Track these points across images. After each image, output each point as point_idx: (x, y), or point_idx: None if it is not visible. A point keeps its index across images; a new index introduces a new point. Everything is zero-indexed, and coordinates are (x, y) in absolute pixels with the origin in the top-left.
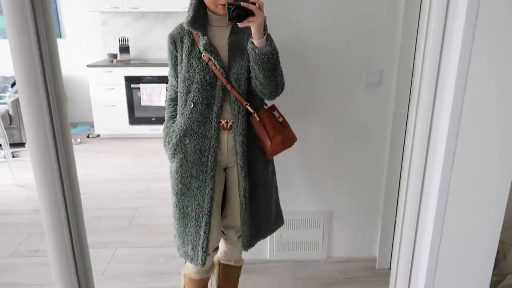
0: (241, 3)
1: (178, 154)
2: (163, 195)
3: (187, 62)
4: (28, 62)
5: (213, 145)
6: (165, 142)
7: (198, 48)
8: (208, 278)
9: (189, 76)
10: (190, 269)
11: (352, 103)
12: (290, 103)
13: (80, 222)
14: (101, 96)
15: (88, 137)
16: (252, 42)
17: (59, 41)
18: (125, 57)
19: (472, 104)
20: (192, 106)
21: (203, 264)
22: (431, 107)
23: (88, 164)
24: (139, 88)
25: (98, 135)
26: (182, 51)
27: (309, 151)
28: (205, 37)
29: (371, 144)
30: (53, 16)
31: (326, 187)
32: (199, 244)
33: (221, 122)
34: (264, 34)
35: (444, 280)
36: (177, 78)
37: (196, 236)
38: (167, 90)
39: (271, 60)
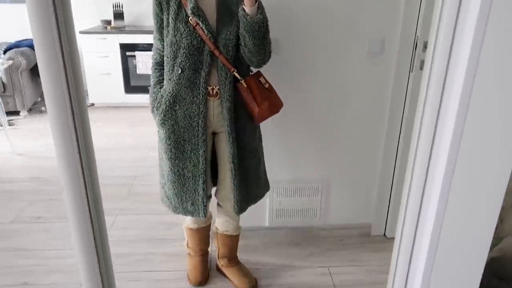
0: None
1: (169, 120)
2: None
3: (174, 26)
4: (46, 25)
5: (202, 111)
6: (153, 107)
7: (185, 12)
8: (209, 227)
9: (176, 41)
10: (188, 220)
11: (353, 71)
12: (290, 70)
13: (96, 188)
14: (95, 64)
15: None
16: (244, 9)
17: None
18: (119, 23)
19: (483, 82)
20: (179, 71)
21: (205, 215)
22: (441, 84)
23: None
24: (134, 56)
25: (93, 104)
26: (168, 14)
27: (309, 119)
28: (192, 0)
29: (370, 113)
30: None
31: (325, 155)
32: (199, 200)
33: (207, 89)
34: (256, 1)
35: (447, 245)
36: (163, 41)
37: (195, 193)
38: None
39: (261, 29)
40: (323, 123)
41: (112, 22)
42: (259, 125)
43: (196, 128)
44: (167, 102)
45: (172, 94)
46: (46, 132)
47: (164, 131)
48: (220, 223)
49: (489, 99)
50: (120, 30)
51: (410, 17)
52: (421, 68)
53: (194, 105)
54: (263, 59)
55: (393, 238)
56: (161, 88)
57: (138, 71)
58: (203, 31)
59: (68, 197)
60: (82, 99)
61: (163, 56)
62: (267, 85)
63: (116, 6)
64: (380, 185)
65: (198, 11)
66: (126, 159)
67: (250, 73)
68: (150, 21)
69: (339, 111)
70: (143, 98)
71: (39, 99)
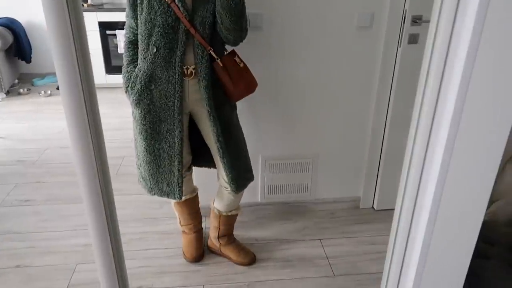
0: None
1: (144, 100)
2: None
3: (148, 3)
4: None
5: (177, 90)
6: (127, 87)
7: None
8: (195, 199)
9: (151, 19)
10: None
11: (341, 46)
12: (277, 45)
13: (106, 171)
14: None
15: (57, 89)
16: None
17: None
18: (97, 0)
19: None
20: (154, 50)
21: (180, 197)
22: (442, 66)
23: (63, 116)
24: (115, 35)
25: None
26: None
27: (297, 94)
28: None
29: (359, 88)
30: None
31: (314, 131)
32: (174, 181)
33: (182, 68)
34: None
35: (446, 213)
36: (136, 19)
37: (171, 173)
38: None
39: (238, 6)
40: (312, 98)
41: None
42: (235, 105)
43: (172, 108)
44: (142, 82)
45: (147, 74)
46: (27, 114)
47: (140, 111)
48: (224, 204)
49: (490, 73)
50: (98, 7)
51: None
52: (409, 42)
53: (169, 85)
54: (240, 37)
55: (381, 210)
56: (134, 67)
57: (119, 50)
58: (179, 8)
59: (83, 179)
60: (91, 79)
61: (136, 34)
62: (241, 65)
63: None
64: (369, 159)
65: None
66: (112, 140)
67: (225, 52)
68: None
69: (327, 86)
70: None
71: (17, 81)
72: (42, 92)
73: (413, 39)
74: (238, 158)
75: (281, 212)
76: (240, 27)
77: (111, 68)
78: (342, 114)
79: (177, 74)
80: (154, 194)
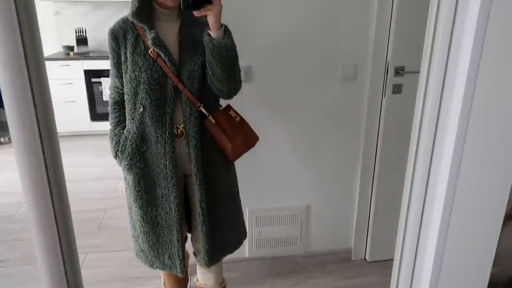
0: None
1: (137, 163)
2: None
3: (132, 60)
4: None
5: (168, 151)
6: (116, 151)
7: (143, 44)
8: (187, 265)
9: (135, 76)
10: None
11: (327, 97)
12: (264, 97)
13: (69, 226)
14: (58, 91)
15: None
16: (209, 34)
17: None
18: (83, 49)
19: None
20: (141, 109)
21: (182, 272)
22: (437, 108)
23: None
24: (100, 82)
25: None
26: (125, 48)
27: (284, 146)
28: (152, 30)
29: (346, 138)
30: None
31: (303, 182)
32: (175, 253)
33: (173, 127)
34: (222, 26)
35: (450, 266)
36: (121, 79)
37: (171, 244)
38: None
39: (229, 54)
40: (299, 150)
41: (75, 48)
42: (233, 164)
43: (164, 171)
44: (133, 144)
45: (137, 135)
46: (6, 165)
47: (132, 177)
48: (199, 273)
49: (486, 126)
50: (84, 56)
51: (380, 43)
52: (393, 92)
53: (159, 145)
54: (234, 88)
55: (374, 262)
56: (122, 129)
57: (105, 98)
58: (165, 63)
59: (38, 238)
60: (53, 132)
61: (122, 94)
62: (238, 119)
63: (79, 31)
64: (359, 209)
65: (159, 42)
66: (95, 191)
67: (219, 108)
68: None
69: (314, 137)
70: None
71: None
72: None
73: (397, 89)
74: (222, 231)
75: (270, 267)
76: (233, 76)
77: (96, 115)
78: (330, 164)
79: (167, 133)
80: (156, 267)
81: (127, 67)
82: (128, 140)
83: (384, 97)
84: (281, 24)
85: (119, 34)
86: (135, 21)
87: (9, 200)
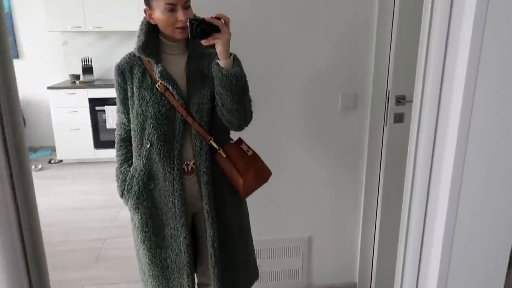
0: (205, 17)
1: (144, 203)
2: None
3: (139, 95)
4: None
5: (177, 188)
6: (122, 190)
7: (150, 78)
8: None
9: (142, 111)
10: None
11: (327, 126)
12: (264, 129)
13: (42, 267)
14: (63, 119)
15: (49, 162)
16: (218, 64)
17: (16, 62)
18: (88, 78)
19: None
20: (148, 145)
21: None
22: (432, 139)
23: (51, 192)
24: (104, 111)
25: (61, 161)
26: (132, 83)
27: (284, 176)
28: (159, 64)
29: (348, 168)
30: (7, 34)
31: (304, 213)
32: None
33: (182, 163)
34: (231, 54)
35: None
36: (128, 115)
37: None
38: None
39: (239, 83)
40: (299, 180)
41: (81, 77)
42: (245, 201)
43: (173, 209)
44: (140, 182)
45: (144, 172)
46: None
47: (139, 217)
48: None
49: (482, 156)
50: (89, 84)
51: (380, 71)
52: (395, 121)
53: (167, 183)
54: (245, 119)
55: None
56: (129, 166)
57: (108, 126)
58: (173, 96)
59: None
60: (26, 166)
61: (128, 131)
62: (250, 153)
63: (85, 60)
64: (363, 241)
65: (166, 75)
66: (95, 220)
67: (230, 142)
68: None
69: (315, 167)
70: (113, 153)
71: None
72: (33, 166)
73: (399, 118)
74: (234, 272)
75: None
76: (243, 107)
77: (100, 142)
78: (332, 194)
79: (175, 170)
80: None
81: (133, 102)
82: (135, 178)
83: (386, 126)
84: (279, 55)
85: (125, 70)
86: (141, 56)
87: None
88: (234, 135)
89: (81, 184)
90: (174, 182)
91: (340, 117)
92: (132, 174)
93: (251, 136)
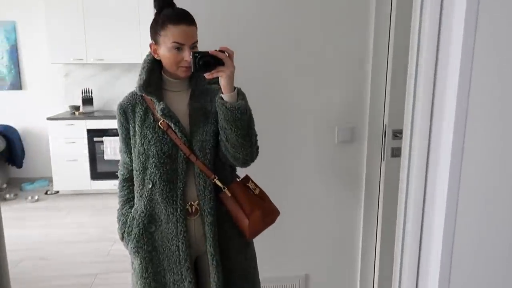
0: (209, 50)
1: (144, 246)
2: (126, 258)
3: (141, 133)
4: None
5: (181, 231)
6: (122, 233)
7: (152, 117)
8: None
9: (144, 150)
10: None
11: (324, 161)
12: (259, 163)
13: None
14: (61, 150)
15: (46, 193)
16: (222, 97)
17: (18, 93)
18: (88, 108)
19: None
20: (150, 185)
21: None
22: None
23: (46, 223)
24: (102, 142)
25: (57, 192)
26: (134, 122)
27: (280, 211)
28: (161, 102)
29: (345, 204)
30: None
31: (300, 250)
32: None
33: (185, 204)
34: (235, 88)
35: None
36: (130, 154)
37: None
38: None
39: (244, 116)
40: (296, 215)
41: (81, 108)
42: (252, 242)
43: (177, 253)
44: (140, 225)
45: (145, 214)
46: (8, 222)
47: (139, 261)
48: None
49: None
50: (88, 115)
51: (376, 106)
52: (393, 155)
53: (170, 225)
54: (251, 154)
55: None
56: (131, 208)
57: (106, 157)
58: (176, 134)
59: None
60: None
61: (131, 171)
62: (257, 191)
63: (85, 91)
64: (362, 281)
65: (169, 112)
66: (87, 254)
67: (237, 179)
68: None
69: (312, 203)
70: (110, 184)
71: (5, 185)
72: (29, 197)
73: (396, 152)
74: None
75: None
76: (249, 142)
77: (97, 174)
78: (329, 231)
79: (178, 211)
80: None
81: (135, 141)
82: (135, 220)
83: (383, 160)
84: (276, 89)
85: (127, 109)
86: (143, 94)
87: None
88: (240, 172)
89: (76, 216)
90: (178, 224)
91: (337, 151)
92: (133, 216)
93: (244, 170)
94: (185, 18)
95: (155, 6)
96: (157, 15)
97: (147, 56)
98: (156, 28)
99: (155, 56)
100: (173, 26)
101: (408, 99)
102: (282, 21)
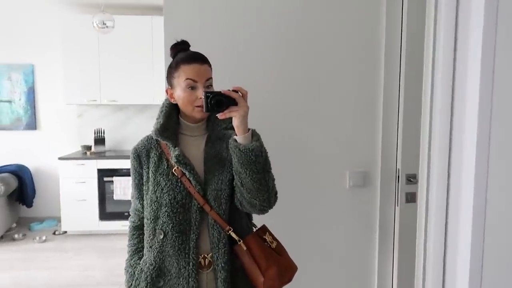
0: (222, 90)
1: None
2: None
3: (154, 180)
4: None
5: (192, 286)
6: (129, 286)
7: (166, 163)
8: None
9: (157, 198)
10: None
11: (335, 206)
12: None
13: None
14: (71, 190)
15: (54, 233)
16: (235, 139)
17: (33, 133)
18: (100, 148)
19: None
20: (162, 236)
21: None
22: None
23: (52, 266)
24: (112, 181)
25: (65, 232)
26: (148, 168)
27: (293, 256)
28: (176, 148)
29: (359, 251)
30: None
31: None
32: None
33: (198, 257)
34: (249, 129)
35: None
36: (142, 201)
37: None
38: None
39: (259, 159)
40: (308, 262)
41: (93, 148)
42: None
43: None
44: (148, 278)
45: (154, 267)
46: (15, 263)
47: None
48: None
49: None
50: (99, 155)
51: (389, 150)
52: (407, 200)
53: (181, 279)
54: (268, 200)
55: None
56: (140, 259)
57: (115, 197)
58: (190, 182)
59: None
60: None
61: (142, 218)
62: (274, 244)
63: (98, 132)
64: None
65: (184, 159)
66: None
67: (253, 230)
68: (130, 146)
69: (324, 250)
70: (119, 225)
71: (14, 224)
72: (37, 237)
73: (411, 197)
74: None
75: None
76: (266, 186)
77: (105, 214)
78: (343, 279)
79: (190, 265)
80: None
81: (148, 188)
82: (143, 273)
83: (398, 206)
84: (286, 132)
85: (142, 153)
86: (159, 139)
87: None
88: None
89: (82, 258)
90: (190, 279)
91: (349, 196)
92: (141, 268)
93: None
94: (198, 57)
95: (171, 55)
96: (172, 60)
97: (166, 100)
98: (170, 71)
99: (172, 101)
100: (186, 65)
101: (423, 142)
102: (295, 62)
